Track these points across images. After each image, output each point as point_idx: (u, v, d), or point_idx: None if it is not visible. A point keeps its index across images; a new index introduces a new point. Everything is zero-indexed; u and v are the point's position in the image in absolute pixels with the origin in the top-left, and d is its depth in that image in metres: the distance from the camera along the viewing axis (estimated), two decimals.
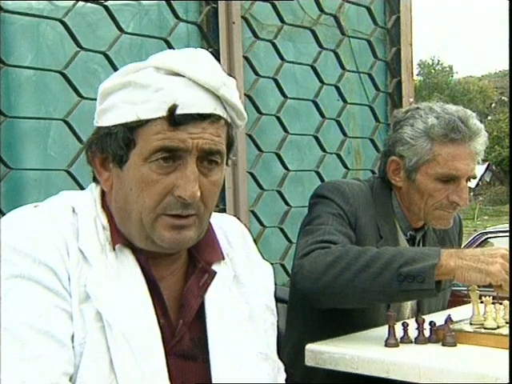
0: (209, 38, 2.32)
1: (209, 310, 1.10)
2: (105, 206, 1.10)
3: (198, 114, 1.02)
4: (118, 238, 1.06)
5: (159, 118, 1.01)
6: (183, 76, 1.03)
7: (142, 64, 1.07)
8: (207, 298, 1.11)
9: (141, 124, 1.02)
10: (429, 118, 1.72)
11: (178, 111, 1.00)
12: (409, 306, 1.83)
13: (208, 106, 1.03)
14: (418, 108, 1.79)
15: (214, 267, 1.14)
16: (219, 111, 1.05)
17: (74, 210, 1.07)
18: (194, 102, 1.02)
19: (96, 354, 0.98)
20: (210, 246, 1.16)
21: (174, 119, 1.00)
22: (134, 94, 1.03)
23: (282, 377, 1.24)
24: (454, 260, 1.47)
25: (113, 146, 1.04)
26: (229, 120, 1.08)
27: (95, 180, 1.14)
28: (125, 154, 1.03)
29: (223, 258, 1.16)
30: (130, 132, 1.02)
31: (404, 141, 1.75)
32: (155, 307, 1.05)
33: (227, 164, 1.11)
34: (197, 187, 1.02)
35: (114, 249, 1.05)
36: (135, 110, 1.02)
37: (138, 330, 1.01)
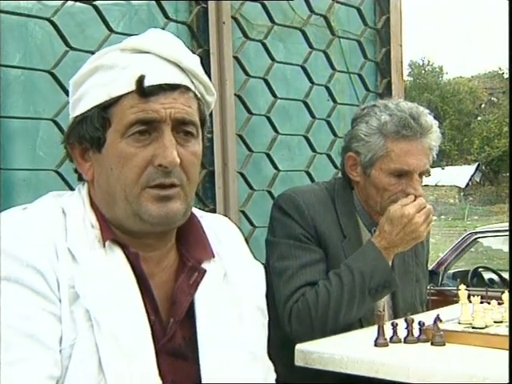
0: (199, 38, 2.31)
1: (199, 308, 1.10)
2: (93, 205, 1.10)
3: (167, 84, 1.05)
4: (108, 234, 1.06)
5: (130, 92, 1.04)
6: (148, 52, 1.06)
7: (107, 49, 1.11)
8: (197, 296, 1.11)
9: (113, 102, 1.05)
10: (382, 116, 1.80)
11: (147, 83, 1.03)
12: (383, 299, 1.88)
13: (175, 77, 1.07)
14: (374, 105, 1.86)
15: (204, 265, 1.14)
16: (187, 83, 1.08)
17: (63, 211, 1.07)
18: (161, 74, 1.05)
19: (85, 354, 0.98)
20: (200, 245, 1.16)
21: (144, 90, 1.03)
22: (103, 75, 1.06)
23: (272, 377, 1.24)
24: (393, 251, 1.76)
25: (89, 130, 1.06)
26: (198, 94, 1.11)
27: (80, 179, 1.14)
28: (101, 134, 1.05)
29: (213, 256, 1.16)
30: (104, 112, 1.05)
31: (359, 137, 1.83)
32: (146, 304, 1.04)
33: (203, 140, 1.13)
34: (175, 154, 1.03)
35: (104, 245, 1.05)
36: (106, 89, 1.05)
37: (128, 327, 1.01)
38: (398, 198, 1.79)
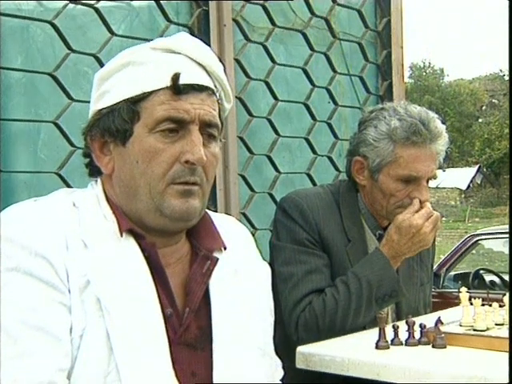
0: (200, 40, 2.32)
1: (213, 296, 1.12)
2: (108, 199, 1.11)
3: (198, 85, 1.07)
4: (124, 225, 1.07)
5: (162, 88, 1.05)
6: (179, 53, 1.09)
7: (137, 47, 1.13)
8: (211, 285, 1.12)
9: (144, 96, 1.06)
10: (392, 121, 1.78)
11: (180, 81, 1.05)
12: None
13: (204, 79, 1.10)
14: (382, 108, 1.84)
15: (216, 255, 1.15)
16: (212, 87, 1.11)
17: (74, 204, 1.08)
18: (192, 74, 1.08)
19: (94, 343, 0.98)
20: (210, 235, 1.17)
21: (178, 87, 1.05)
22: (135, 70, 1.08)
23: (280, 375, 1.25)
24: (400, 259, 1.77)
25: (117, 122, 1.07)
26: (219, 99, 1.14)
27: (91, 175, 1.15)
28: (129, 127, 1.06)
29: (224, 248, 1.17)
30: (133, 105, 1.06)
31: (367, 142, 1.81)
32: (162, 296, 1.05)
33: (220, 140, 1.15)
34: (203, 151, 1.06)
35: (122, 235, 1.05)
36: (138, 84, 1.06)
37: (139, 316, 1.01)
38: (404, 204, 1.78)
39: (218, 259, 1.13)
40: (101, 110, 1.09)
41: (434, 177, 1.82)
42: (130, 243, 1.06)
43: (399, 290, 1.75)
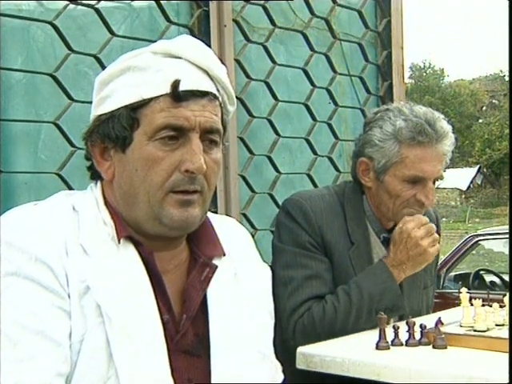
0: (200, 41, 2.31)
1: (211, 303, 1.11)
2: (107, 203, 1.10)
3: (199, 91, 1.05)
4: (123, 231, 1.07)
5: (162, 95, 1.04)
6: (180, 58, 1.07)
7: (138, 51, 1.10)
8: (209, 292, 1.12)
9: (144, 103, 1.04)
10: (397, 121, 1.76)
11: (180, 87, 1.03)
12: None
13: (205, 84, 1.08)
14: (387, 109, 1.83)
15: (215, 262, 1.14)
16: (214, 91, 1.09)
17: (74, 208, 1.07)
18: (193, 80, 1.06)
19: (94, 349, 0.98)
20: (211, 242, 1.16)
21: (178, 95, 1.03)
22: (135, 76, 1.06)
23: (280, 378, 1.24)
24: (402, 270, 1.74)
25: (116, 129, 1.06)
26: (222, 102, 1.12)
27: (93, 177, 1.14)
28: (129, 135, 1.05)
29: (224, 254, 1.16)
30: (133, 112, 1.05)
31: (373, 143, 1.80)
32: (159, 302, 1.05)
33: (223, 144, 1.14)
34: (202, 160, 1.04)
35: (119, 241, 1.05)
36: (138, 90, 1.05)
37: (139, 323, 1.01)
38: (409, 204, 1.77)
39: (216, 267, 1.13)
40: (101, 115, 1.08)
41: (441, 177, 1.80)
42: (129, 249, 1.06)
43: (401, 305, 1.73)
